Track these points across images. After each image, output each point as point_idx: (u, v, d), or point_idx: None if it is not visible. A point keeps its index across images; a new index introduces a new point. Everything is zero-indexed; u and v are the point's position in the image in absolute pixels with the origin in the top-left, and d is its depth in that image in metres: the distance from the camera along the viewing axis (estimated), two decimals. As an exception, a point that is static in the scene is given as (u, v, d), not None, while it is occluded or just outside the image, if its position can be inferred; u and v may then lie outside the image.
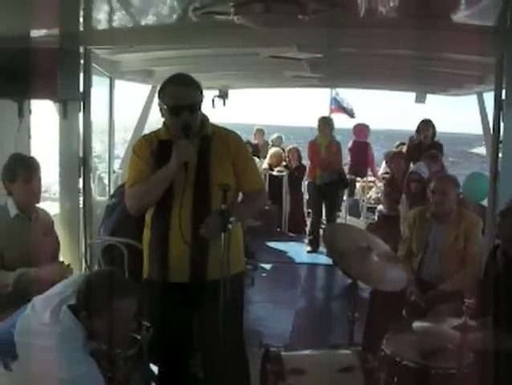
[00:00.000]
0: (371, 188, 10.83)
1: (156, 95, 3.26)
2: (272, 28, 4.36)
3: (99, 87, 6.20)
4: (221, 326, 2.86)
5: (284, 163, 10.46)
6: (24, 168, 3.76)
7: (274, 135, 11.87)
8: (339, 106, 12.19)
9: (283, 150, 10.78)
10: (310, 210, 9.76)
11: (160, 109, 3.22)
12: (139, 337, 3.04)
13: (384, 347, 3.27)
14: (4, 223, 3.73)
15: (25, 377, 2.53)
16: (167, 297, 3.25)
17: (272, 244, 9.31)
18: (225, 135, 3.34)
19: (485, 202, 5.68)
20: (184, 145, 3.06)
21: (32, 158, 3.90)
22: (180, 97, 3.11)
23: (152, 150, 3.21)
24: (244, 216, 3.55)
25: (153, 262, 3.29)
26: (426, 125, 7.86)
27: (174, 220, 3.16)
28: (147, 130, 8.05)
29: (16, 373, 2.56)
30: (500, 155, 4.49)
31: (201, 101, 3.20)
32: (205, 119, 3.31)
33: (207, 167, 3.19)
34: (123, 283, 2.68)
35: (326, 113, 11.22)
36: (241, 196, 3.44)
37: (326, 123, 8.92)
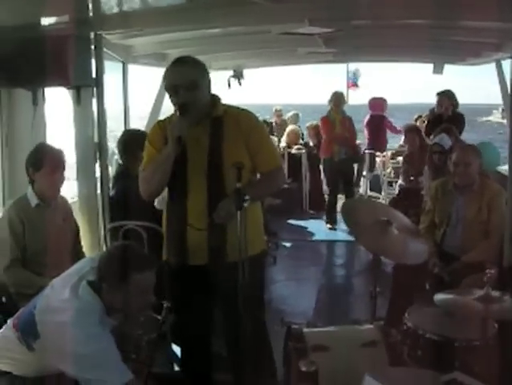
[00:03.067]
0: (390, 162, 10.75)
1: None
2: (282, 3, 4.31)
3: (112, 73, 6.20)
4: (241, 307, 2.86)
5: (301, 140, 10.42)
6: (51, 160, 3.82)
7: (291, 113, 11.84)
8: (354, 81, 12.11)
9: (300, 127, 10.74)
10: (327, 187, 9.69)
11: (168, 93, 3.22)
12: (160, 318, 3.06)
13: (407, 321, 3.26)
14: (25, 213, 3.78)
15: (47, 354, 2.59)
16: (187, 280, 3.27)
17: (293, 222, 9.31)
18: (237, 115, 3.30)
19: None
20: (179, 121, 3.06)
21: (60, 151, 3.93)
22: (176, 77, 3.11)
23: (164, 135, 3.18)
24: (261, 196, 3.52)
25: (171, 246, 3.31)
26: (444, 96, 7.75)
27: (190, 203, 3.16)
28: (162, 115, 8.10)
29: (38, 351, 2.63)
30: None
31: (201, 79, 3.15)
32: (216, 99, 3.28)
33: (220, 148, 3.16)
34: (141, 255, 2.73)
35: (343, 89, 11.15)
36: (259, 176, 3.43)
37: (338, 97, 8.83)
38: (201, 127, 3.18)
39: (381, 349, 3.13)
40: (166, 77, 3.16)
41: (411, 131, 7.72)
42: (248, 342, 2.94)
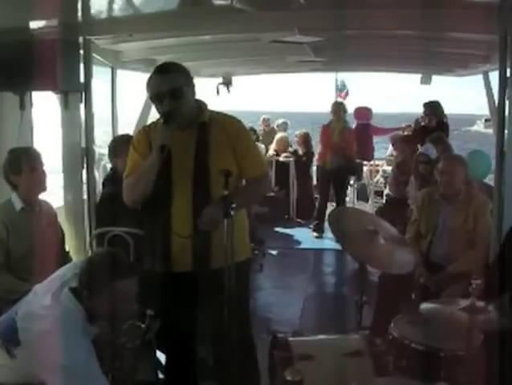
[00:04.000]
0: (378, 172, 10.79)
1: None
2: (271, 11, 4.32)
3: (101, 78, 6.18)
4: (226, 314, 2.85)
5: (291, 148, 10.44)
6: (28, 159, 3.80)
7: (280, 121, 11.89)
8: (341, 90, 12.17)
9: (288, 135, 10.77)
10: (317, 195, 9.73)
11: (152, 102, 3.21)
12: (143, 326, 3.03)
13: (392, 330, 3.25)
14: (9, 217, 3.76)
15: (27, 362, 2.56)
16: (171, 287, 3.24)
17: (280, 230, 9.31)
18: (224, 121, 3.30)
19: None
20: (160, 129, 3.04)
21: (33, 148, 3.93)
22: (159, 85, 3.09)
23: (149, 141, 3.18)
24: (247, 203, 3.52)
25: (154, 252, 3.28)
26: (429, 107, 7.82)
27: (174, 209, 3.14)
28: (150, 120, 8.08)
29: (19, 359, 2.59)
30: (506, 133, 4.43)
31: (185, 86, 3.13)
32: (202, 106, 3.28)
33: (206, 154, 3.16)
34: (124, 262, 2.72)
35: (332, 98, 11.19)
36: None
37: (340, 108, 8.95)
38: (188, 133, 3.17)
39: (366, 359, 3.13)
40: (150, 85, 3.13)
41: (401, 141, 7.76)
42: (233, 350, 2.93)
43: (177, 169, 3.12)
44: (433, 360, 3.01)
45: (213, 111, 3.32)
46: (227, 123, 3.30)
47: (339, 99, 10.48)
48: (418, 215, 4.70)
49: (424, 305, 3.22)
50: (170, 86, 3.06)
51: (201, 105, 3.27)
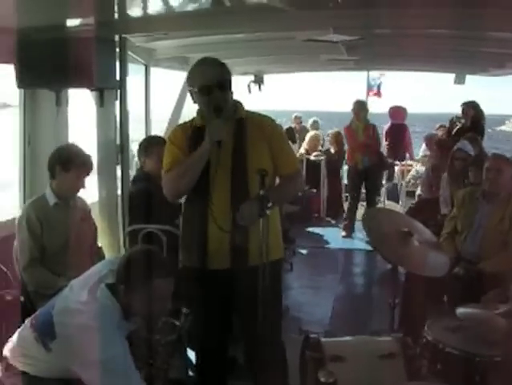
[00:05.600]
0: (409, 172, 10.68)
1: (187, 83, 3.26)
2: (306, 10, 4.30)
3: (135, 75, 6.23)
4: (260, 312, 2.84)
5: (321, 147, 10.40)
6: (81, 164, 3.86)
7: (311, 120, 11.84)
8: (376, 89, 12.08)
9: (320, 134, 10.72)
10: (347, 195, 9.67)
11: (192, 95, 3.22)
12: (177, 323, 3.04)
13: (426, 334, 3.21)
14: (44, 212, 3.80)
15: (62, 356, 2.59)
16: (206, 284, 3.24)
17: (310, 229, 9.28)
18: (259, 119, 3.32)
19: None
20: (216, 124, 3.04)
21: (90, 156, 3.97)
22: (207, 76, 3.10)
23: (188, 137, 3.21)
24: (281, 201, 3.51)
25: (191, 249, 3.28)
26: (467, 107, 7.71)
27: (212, 206, 3.13)
28: (182, 119, 8.11)
29: (54, 352, 2.62)
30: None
31: (230, 80, 3.17)
32: (237, 103, 3.29)
33: (243, 150, 3.16)
34: (161, 261, 2.72)
35: (363, 97, 11.11)
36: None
37: (360, 106, 8.81)
38: (226, 128, 3.15)
39: (399, 362, 3.10)
40: (195, 77, 3.15)
41: (437, 143, 7.65)
42: (265, 349, 2.92)
43: (215, 165, 3.11)
44: (469, 365, 2.97)
45: (247, 110, 3.33)
46: (263, 120, 3.33)
47: (361, 98, 10.31)
48: (457, 212, 4.69)
49: (461, 309, 3.17)
50: (219, 77, 3.10)
51: (236, 103, 3.29)
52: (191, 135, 3.23)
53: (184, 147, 3.21)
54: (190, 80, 3.19)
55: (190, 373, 3.88)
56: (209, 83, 3.09)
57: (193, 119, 3.32)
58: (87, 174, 3.95)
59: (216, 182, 3.12)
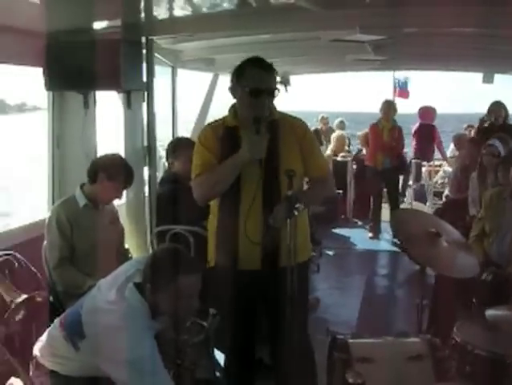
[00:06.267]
0: (437, 173, 10.58)
1: (233, 77, 3.21)
2: (332, 10, 4.29)
3: (161, 77, 6.26)
4: (288, 314, 2.83)
5: (347, 148, 10.35)
6: (126, 178, 3.93)
7: (337, 120, 11.80)
8: (403, 89, 11.99)
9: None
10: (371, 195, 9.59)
11: (235, 90, 3.18)
12: (205, 324, 3.05)
13: (455, 335, 3.18)
14: (73, 213, 3.85)
15: (91, 355, 2.61)
16: (235, 285, 3.20)
17: (336, 230, 9.24)
18: (291, 121, 3.30)
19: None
20: (257, 141, 3.02)
21: (133, 172, 4.01)
22: (263, 80, 3.08)
23: (218, 138, 3.18)
24: (310, 204, 3.51)
25: (221, 250, 3.26)
26: (497, 107, 7.59)
27: (243, 208, 3.12)
28: (208, 120, 8.15)
29: (83, 351, 2.65)
30: None
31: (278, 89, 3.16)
32: (271, 105, 3.24)
33: (276, 153, 3.13)
34: (187, 258, 2.73)
35: (389, 97, 11.03)
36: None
37: (389, 106, 8.72)
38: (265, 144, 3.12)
39: (428, 363, 3.06)
40: (251, 76, 3.10)
41: (467, 142, 7.55)
42: (292, 350, 2.91)
43: (248, 166, 3.09)
44: (498, 367, 2.93)
45: (280, 111, 3.30)
46: (295, 122, 3.31)
47: (390, 98, 10.23)
48: (484, 213, 4.61)
49: (490, 311, 3.13)
50: (272, 84, 3.10)
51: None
52: (222, 135, 3.20)
53: (214, 149, 3.18)
54: (242, 78, 3.13)
55: (217, 374, 3.90)
56: (262, 87, 3.07)
57: (225, 118, 3.29)
58: (127, 187, 4.03)
59: (247, 184, 3.11)
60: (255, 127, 3.04)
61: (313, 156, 3.29)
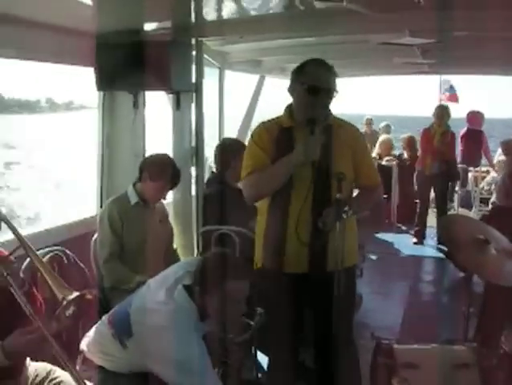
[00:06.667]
0: (484, 179, 10.39)
1: (292, 76, 3.21)
2: (383, 13, 4.26)
3: (209, 78, 6.31)
4: (334, 318, 2.82)
5: (393, 152, 10.25)
6: (170, 178, 4.00)
7: (383, 124, 11.71)
8: (452, 94, 11.82)
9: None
10: (417, 201, 9.48)
11: (293, 89, 3.18)
12: (252, 323, 3.06)
13: (504, 345, 3.12)
14: (125, 210, 3.93)
15: (139, 353, 2.65)
16: (282, 287, 3.21)
17: (380, 235, 9.16)
18: (346, 127, 3.29)
19: None
20: (313, 142, 3.01)
21: (179, 171, 4.08)
22: (323, 79, 3.08)
23: (273, 138, 3.17)
24: (359, 211, 3.47)
25: (269, 252, 3.26)
26: None
27: (293, 210, 3.11)
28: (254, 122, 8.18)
29: (131, 350, 2.68)
30: None
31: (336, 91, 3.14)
32: (328, 110, 3.24)
33: (329, 157, 3.11)
34: (237, 264, 2.74)
35: (435, 101, 10.89)
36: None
37: (443, 111, 8.62)
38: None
39: (474, 372, 3.02)
40: (311, 74, 3.09)
41: None
42: (337, 355, 2.90)
43: (300, 167, 3.08)
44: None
45: (335, 116, 3.28)
46: (349, 128, 3.30)
47: (444, 103, 10.11)
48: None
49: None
50: (331, 85, 3.09)
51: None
52: (277, 136, 3.19)
53: (268, 149, 3.17)
54: (301, 75, 3.13)
55: (259, 375, 3.91)
56: (322, 85, 3.06)
57: (279, 117, 3.27)
58: (173, 187, 4.09)
59: (298, 187, 3.10)
60: (309, 128, 3.03)
61: (364, 164, 3.28)
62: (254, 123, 8.64)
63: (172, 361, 2.52)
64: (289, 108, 3.24)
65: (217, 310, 2.65)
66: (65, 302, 2.74)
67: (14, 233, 2.96)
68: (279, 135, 3.18)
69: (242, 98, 7.99)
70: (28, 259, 3.19)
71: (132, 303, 2.76)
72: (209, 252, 2.94)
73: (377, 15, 4.25)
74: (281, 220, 3.16)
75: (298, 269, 3.17)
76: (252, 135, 3.33)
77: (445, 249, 7.75)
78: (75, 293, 2.79)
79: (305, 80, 3.10)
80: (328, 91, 3.08)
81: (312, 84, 3.06)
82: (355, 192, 3.45)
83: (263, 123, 3.37)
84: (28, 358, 2.73)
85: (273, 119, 3.31)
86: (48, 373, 2.74)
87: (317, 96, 3.05)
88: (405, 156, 10.07)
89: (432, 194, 8.85)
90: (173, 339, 2.53)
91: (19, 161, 32.33)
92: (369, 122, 11.94)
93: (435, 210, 8.84)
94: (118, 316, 2.81)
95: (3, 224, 2.73)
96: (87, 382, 2.58)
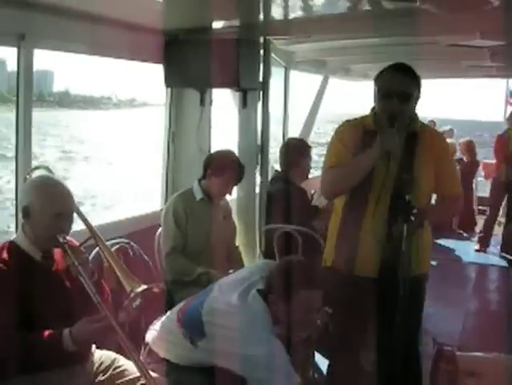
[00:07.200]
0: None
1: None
2: (456, 13, 4.17)
3: (274, 78, 6.32)
4: (400, 326, 2.79)
5: (456, 156, 10.06)
6: (233, 173, 4.03)
7: (446, 128, 11.50)
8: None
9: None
10: (481, 207, 9.26)
11: (375, 94, 3.17)
12: (318, 322, 3.05)
13: None
14: (190, 205, 3.99)
15: (210, 352, 2.66)
16: (351, 290, 3.19)
17: (440, 240, 8.99)
18: (432, 135, 3.26)
19: None
20: (390, 133, 2.98)
21: (243, 166, 4.12)
22: (393, 83, 3.05)
23: (357, 137, 3.16)
24: (436, 219, 3.44)
25: (341, 252, 3.24)
26: None
27: (369, 212, 3.09)
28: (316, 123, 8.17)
29: (202, 349, 2.70)
30: None
31: (415, 93, 3.09)
32: (414, 115, 3.21)
33: (411, 164, 3.07)
34: (311, 273, 2.72)
35: (500, 106, 10.65)
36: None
37: None
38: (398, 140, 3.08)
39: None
40: (382, 79, 3.11)
41: None
42: (399, 362, 2.87)
43: (380, 173, 3.06)
44: None
45: (422, 123, 3.26)
46: (435, 137, 3.27)
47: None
48: None
49: None
50: (402, 87, 3.04)
51: (412, 114, 3.20)
52: (362, 136, 3.17)
53: (351, 146, 3.16)
54: (378, 80, 3.14)
55: (315, 375, 3.90)
56: (392, 90, 3.03)
57: (363, 118, 3.26)
58: (237, 183, 4.12)
59: (376, 191, 3.07)
60: (389, 122, 3.01)
61: (447, 174, 3.21)
62: (317, 124, 8.63)
63: (251, 357, 2.53)
64: (373, 111, 3.22)
65: (288, 317, 2.65)
66: (133, 295, 2.81)
67: (85, 223, 3.05)
68: (363, 136, 3.17)
69: (305, 98, 7.97)
70: (95, 250, 3.30)
71: (203, 304, 2.77)
72: (284, 259, 2.94)
73: (449, 16, 4.17)
74: (356, 222, 3.14)
75: (368, 272, 3.14)
76: (336, 133, 3.32)
77: (510, 257, 7.63)
78: (143, 286, 2.86)
79: (379, 85, 3.10)
80: (402, 96, 3.02)
81: (385, 89, 3.06)
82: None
83: (348, 121, 3.36)
84: (94, 346, 2.80)
85: (357, 119, 3.30)
86: (113, 361, 2.80)
87: (390, 101, 3.03)
88: (465, 160, 9.86)
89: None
90: (251, 338, 2.55)
91: (88, 155, 33.30)
92: (433, 123, 11.74)
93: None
94: (189, 316, 2.82)
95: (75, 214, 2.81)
96: (152, 373, 2.63)
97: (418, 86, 3.12)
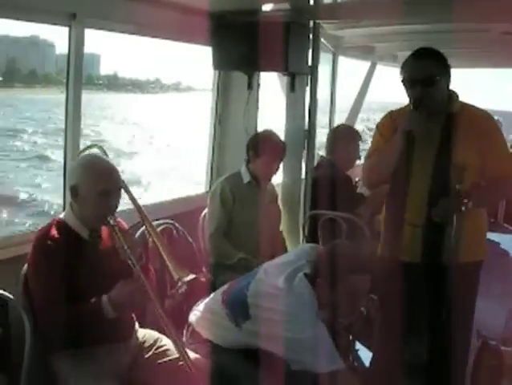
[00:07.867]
0: None
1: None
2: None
3: (321, 63, 6.27)
4: (448, 315, 2.75)
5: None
6: (272, 150, 4.07)
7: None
8: None
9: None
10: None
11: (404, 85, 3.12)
12: (363, 309, 3.04)
13: None
14: (237, 188, 4.04)
15: (254, 334, 2.67)
16: (397, 276, 3.09)
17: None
18: (474, 114, 3.12)
19: None
20: (410, 114, 2.96)
21: (282, 143, 4.18)
22: (414, 70, 3.00)
23: (395, 125, 3.11)
24: (486, 203, 3.29)
25: (386, 239, 3.22)
26: None
27: (411, 198, 3.04)
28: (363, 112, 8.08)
29: (246, 330, 2.71)
30: None
31: (439, 75, 2.99)
32: (453, 96, 3.12)
33: (449, 146, 3.01)
34: (359, 258, 2.73)
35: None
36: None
37: None
38: (435, 123, 3.05)
39: None
40: (404, 69, 3.07)
41: None
42: (446, 354, 2.83)
43: (419, 158, 3.00)
44: None
45: (463, 103, 3.16)
46: (477, 116, 3.12)
47: None
48: None
49: None
50: (424, 74, 2.98)
51: (452, 95, 3.12)
52: (399, 125, 3.09)
53: (387, 135, 3.15)
54: (402, 69, 3.09)
55: (355, 363, 3.87)
56: (414, 77, 2.99)
57: (407, 106, 3.17)
58: (278, 161, 4.13)
59: (416, 175, 3.02)
60: (413, 105, 2.97)
61: (493, 153, 3.06)
62: (363, 113, 8.54)
63: (295, 340, 2.53)
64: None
65: (336, 300, 2.65)
66: (180, 283, 2.85)
67: (133, 202, 3.09)
68: (399, 125, 3.09)
69: (353, 84, 7.89)
70: (141, 229, 3.34)
71: (248, 286, 2.78)
72: (332, 243, 2.93)
73: (505, 1, 4.05)
74: (399, 208, 3.10)
75: (412, 258, 3.10)
76: (378, 124, 3.33)
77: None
78: (191, 276, 2.89)
79: (403, 74, 3.05)
80: (425, 81, 2.95)
81: (406, 77, 3.02)
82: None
83: (390, 111, 3.35)
84: (137, 324, 2.84)
85: (400, 109, 3.25)
86: (155, 340, 2.84)
87: (414, 88, 2.98)
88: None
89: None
90: (296, 321, 2.55)
91: (138, 136, 33.91)
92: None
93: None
94: (233, 298, 2.83)
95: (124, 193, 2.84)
96: (193, 354, 2.65)
97: (443, 67, 3.03)
